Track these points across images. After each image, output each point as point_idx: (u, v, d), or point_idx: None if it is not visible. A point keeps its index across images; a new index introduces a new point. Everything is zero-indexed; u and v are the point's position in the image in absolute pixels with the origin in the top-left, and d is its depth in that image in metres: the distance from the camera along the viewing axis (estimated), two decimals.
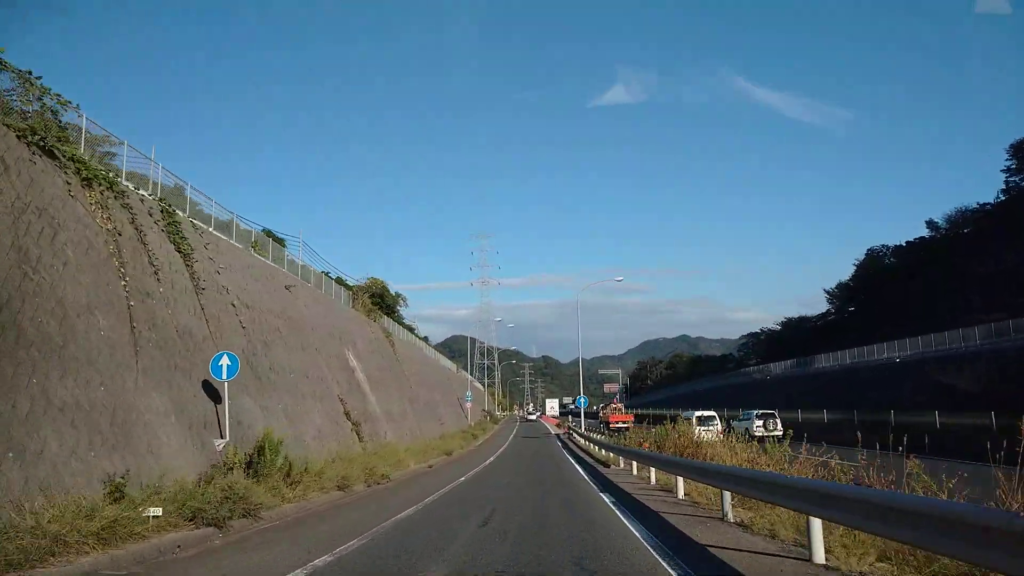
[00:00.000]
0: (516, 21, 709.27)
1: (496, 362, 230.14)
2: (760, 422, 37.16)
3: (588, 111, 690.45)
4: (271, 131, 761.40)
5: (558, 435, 57.80)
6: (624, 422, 55.44)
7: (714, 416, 39.20)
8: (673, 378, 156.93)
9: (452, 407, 60.81)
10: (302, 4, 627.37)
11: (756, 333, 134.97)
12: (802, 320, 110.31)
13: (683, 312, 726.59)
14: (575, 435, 48.55)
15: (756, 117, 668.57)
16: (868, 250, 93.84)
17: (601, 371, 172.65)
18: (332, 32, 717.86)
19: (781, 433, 29.38)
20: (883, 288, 77.55)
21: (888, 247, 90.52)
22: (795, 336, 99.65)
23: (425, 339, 75.08)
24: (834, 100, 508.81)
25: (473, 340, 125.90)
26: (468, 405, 60.57)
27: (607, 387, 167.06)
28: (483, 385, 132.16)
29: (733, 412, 46.80)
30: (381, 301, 47.37)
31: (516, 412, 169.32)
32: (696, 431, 24.22)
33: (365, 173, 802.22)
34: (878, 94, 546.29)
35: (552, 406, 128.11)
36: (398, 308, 58.39)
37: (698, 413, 39.68)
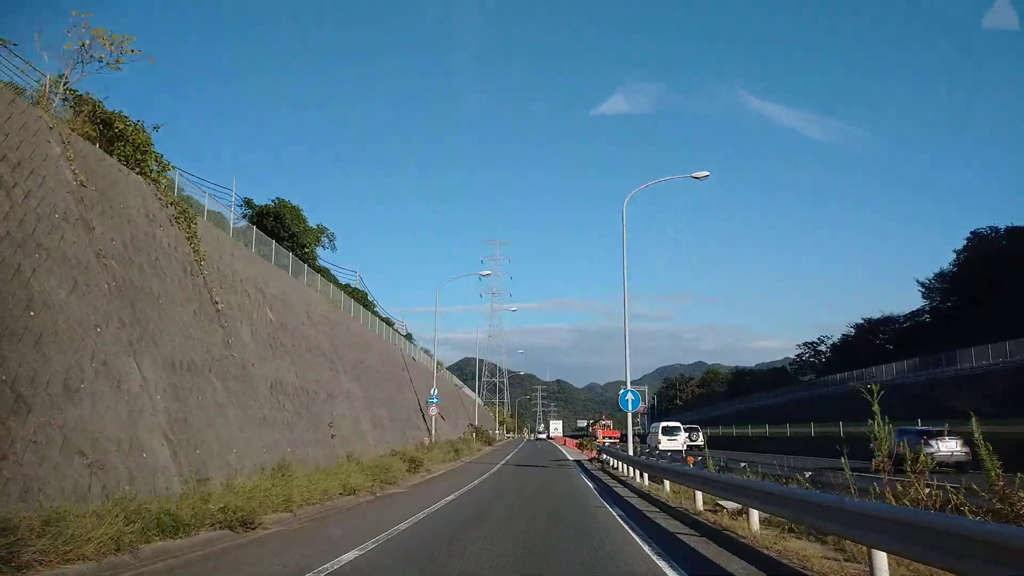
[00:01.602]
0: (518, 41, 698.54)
1: (505, 381, 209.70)
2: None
3: (592, 121, 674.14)
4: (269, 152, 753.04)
5: (582, 464, 34.46)
6: (611, 438, 56.67)
7: (678, 427, 43.78)
8: (709, 397, 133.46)
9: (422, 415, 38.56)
10: (299, 25, 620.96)
11: (813, 343, 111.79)
12: (886, 321, 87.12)
13: (700, 340, 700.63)
14: (621, 470, 25.84)
15: (769, 138, 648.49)
16: (971, 233, 72.10)
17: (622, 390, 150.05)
18: (329, 55, 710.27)
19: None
20: (997, 276, 56.68)
21: (998, 229, 68.32)
22: (867, 342, 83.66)
23: (410, 337, 53.05)
24: (847, 118, 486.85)
25: (481, 361, 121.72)
26: (434, 412, 37.64)
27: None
28: (498, 404, 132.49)
29: (857, 427, 33.88)
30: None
31: (525, 435, 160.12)
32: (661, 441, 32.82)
33: (372, 196, 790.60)
34: (893, 108, 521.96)
35: (556, 427, 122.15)
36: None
37: (663, 424, 44.41)
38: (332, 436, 20.07)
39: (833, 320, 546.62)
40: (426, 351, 58.60)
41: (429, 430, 37.80)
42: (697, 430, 50.22)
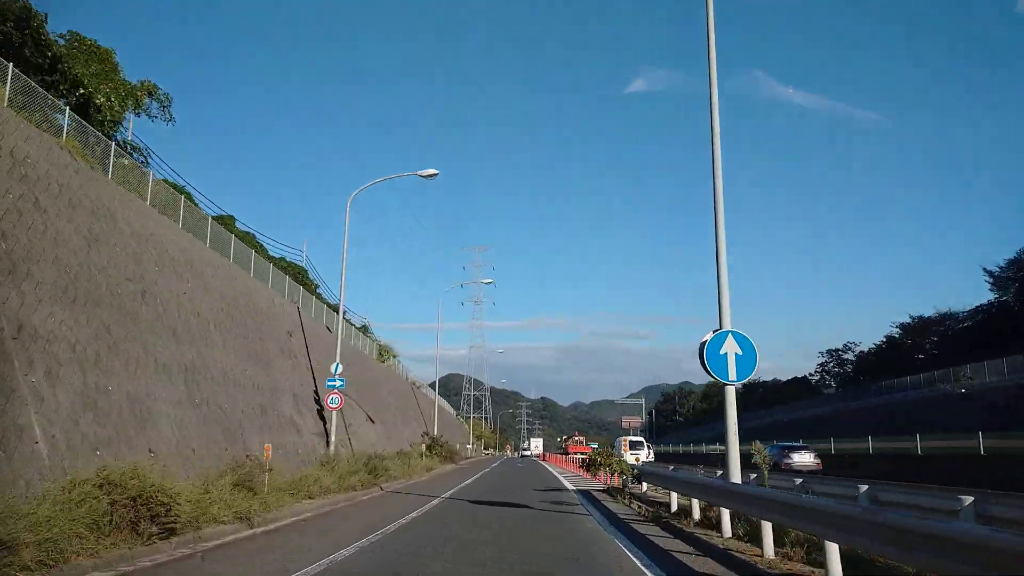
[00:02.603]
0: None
1: (487, 394, 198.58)
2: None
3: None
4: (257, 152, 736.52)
5: (596, 500, 18.40)
6: (583, 453, 57.12)
7: (641, 441, 47.92)
8: (715, 412, 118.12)
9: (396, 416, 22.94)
10: (311, 6, 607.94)
11: (837, 351, 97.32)
12: (943, 319, 72.79)
13: (686, 359, 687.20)
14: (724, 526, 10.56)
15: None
16: None
17: (624, 413, 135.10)
18: (343, 39, 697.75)
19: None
20: None
21: None
22: (913, 346, 74.45)
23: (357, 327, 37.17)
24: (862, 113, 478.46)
25: (466, 377, 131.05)
26: (336, 403, 21.51)
27: (627, 422, 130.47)
28: (473, 418, 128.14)
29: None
30: None
31: (508, 452, 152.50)
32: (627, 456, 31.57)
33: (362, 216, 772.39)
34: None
35: (537, 444, 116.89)
36: None
37: (630, 439, 48.21)
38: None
39: (826, 343, 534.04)
40: (364, 329, 42.49)
41: (327, 435, 21.74)
42: (646, 446, 50.64)
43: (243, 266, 22.87)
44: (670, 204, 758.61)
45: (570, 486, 24.58)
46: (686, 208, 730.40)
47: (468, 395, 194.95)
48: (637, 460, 35.84)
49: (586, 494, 20.14)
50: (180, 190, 22.03)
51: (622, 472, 14.94)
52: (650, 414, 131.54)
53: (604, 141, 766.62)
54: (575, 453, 66.10)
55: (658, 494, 15.88)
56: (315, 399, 22.89)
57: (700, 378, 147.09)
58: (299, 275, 42.19)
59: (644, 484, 19.21)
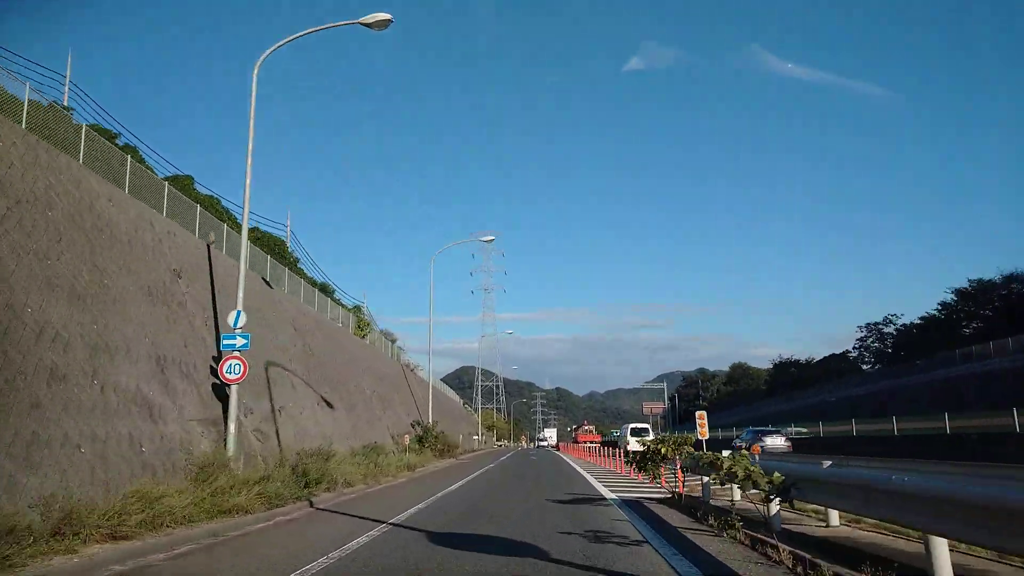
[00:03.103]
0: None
1: (500, 385, 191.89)
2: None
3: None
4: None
5: (673, 527, 9.96)
6: (592, 441, 62.38)
7: (647, 428, 45.92)
8: (742, 395, 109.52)
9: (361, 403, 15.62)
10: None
11: (877, 324, 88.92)
12: (1008, 281, 64.47)
13: (700, 348, 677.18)
14: None
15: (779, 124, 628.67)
16: None
17: (645, 399, 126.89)
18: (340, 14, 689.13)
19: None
20: None
21: None
22: (969, 315, 67.34)
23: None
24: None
25: (478, 368, 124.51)
26: (233, 372, 13.75)
27: (648, 407, 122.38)
28: (497, 411, 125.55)
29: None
30: None
31: (523, 443, 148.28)
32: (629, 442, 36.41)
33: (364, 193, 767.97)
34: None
35: (551, 435, 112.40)
36: None
37: (633, 426, 47.33)
38: None
39: (842, 330, 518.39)
40: (325, 289, 34.57)
41: (225, 422, 13.82)
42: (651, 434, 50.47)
43: (117, 182, 15.04)
44: (681, 194, 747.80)
45: (607, 492, 16.63)
46: (698, 198, 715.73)
47: (479, 385, 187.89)
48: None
49: (642, 510, 12.08)
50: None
51: (747, 478, 6.87)
52: (672, 399, 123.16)
53: (615, 132, 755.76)
54: (585, 442, 67.34)
55: (752, 504, 7.77)
56: (212, 370, 14.92)
57: (712, 364, 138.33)
58: (277, 247, 34.45)
59: (736, 491, 11.29)
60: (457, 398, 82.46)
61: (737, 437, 38.38)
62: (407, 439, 24.95)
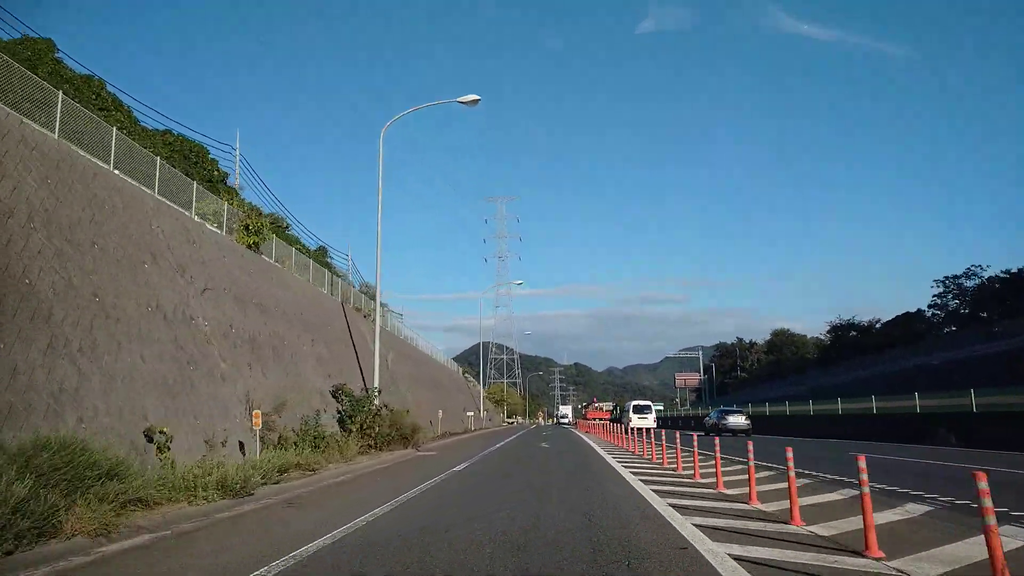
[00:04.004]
0: None
1: (516, 358, 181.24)
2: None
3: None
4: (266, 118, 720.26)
5: None
6: (600, 418, 62.09)
7: (649, 406, 48.50)
8: (788, 365, 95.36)
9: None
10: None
11: (956, 278, 74.93)
12: None
13: (717, 323, 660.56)
14: None
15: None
16: None
17: (678, 372, 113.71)
18: None
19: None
20: None
21: None
22: None
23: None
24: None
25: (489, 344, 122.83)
26: None
27: (681, 379, 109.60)
28: (514, 386, 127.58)
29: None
30: None
31: (539, 420, 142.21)
32: (632, 419, 39.97)
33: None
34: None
35: (566, 413, 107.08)
36: None
37: (635, 402, 49.50)
38: None
39: (861, 302, 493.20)
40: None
41: None
42: (653, 410, 49.98)
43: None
44: (695, 166, 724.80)
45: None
46: (714, 171, 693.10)
47: (495, 359, 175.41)
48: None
49: None
50: None
51: None
52: (707, 371, 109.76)
53: (629, 108, 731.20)
54: (594, 418, 67.94)
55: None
56: None
57: (730, 339, 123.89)
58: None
59: None
60: (451, 364, 69.45)
61: (707, 416, 41.76)
62: (258, 417, 11.92)
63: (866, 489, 5.82)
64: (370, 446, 18.91)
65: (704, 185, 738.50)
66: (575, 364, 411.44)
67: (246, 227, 19.74)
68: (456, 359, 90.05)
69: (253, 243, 19.89)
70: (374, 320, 27.31)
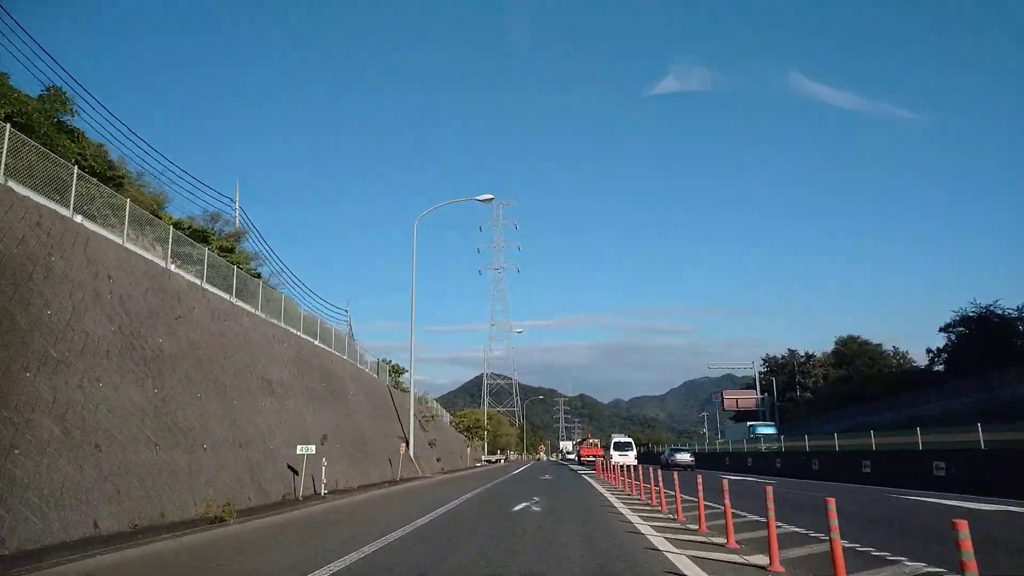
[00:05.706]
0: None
1: (515, 386, 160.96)
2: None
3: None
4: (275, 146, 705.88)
5: None
6: (595, 455, 56.30)
7: (630, 443, 51.09)
8: (863, 384, 68.19)
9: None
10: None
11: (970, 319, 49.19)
12: None
13: (725, 353, 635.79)
14: None
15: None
16: None
17: (729, 388, 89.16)
18: (369, 40, 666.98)
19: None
20: None
21: None
22: None
23: None
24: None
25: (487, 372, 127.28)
26: None
27: (731, 398, 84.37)
28: (515, 418, 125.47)
29: None
30: None
31: (540, 455, 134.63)
32: (613, 456, 42.21)
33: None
34: None
35: (567, 448, 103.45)
36: None
37: (616, 439, 52.46)
38: None
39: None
40: None
41: None
42: (633, 447, 51.27)
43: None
44: (701, 199, 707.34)
45: None
46: (721, 203, 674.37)
47: (491, 384, 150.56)
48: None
49: None
50: None
51: None
52: (764, 391, 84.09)
53: (636, 137, 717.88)
54: (588, 456, 62.33)
55: None
56: None
57: (740, 370, 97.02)
58: None
59: None
60: (383, 375, 43.76)
61: (663, 453, 49.11)
62: None
63: None
64: None
65: (712, 224, 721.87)
66: (580, 396, 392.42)
67: None
68: (458, 391, 66.97)
69: None
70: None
